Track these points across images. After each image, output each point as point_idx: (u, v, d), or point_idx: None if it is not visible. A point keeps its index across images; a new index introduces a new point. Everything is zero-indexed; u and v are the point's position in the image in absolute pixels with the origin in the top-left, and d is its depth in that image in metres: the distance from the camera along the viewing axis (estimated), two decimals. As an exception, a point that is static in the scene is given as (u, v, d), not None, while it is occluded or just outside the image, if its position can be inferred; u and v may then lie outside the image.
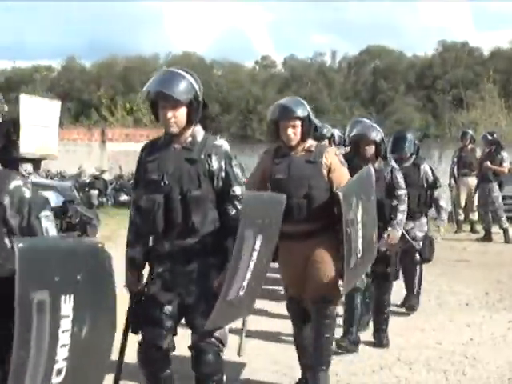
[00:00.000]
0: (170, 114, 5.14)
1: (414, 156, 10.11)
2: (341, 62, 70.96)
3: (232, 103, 59.57)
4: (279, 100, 7.04)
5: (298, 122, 6.52)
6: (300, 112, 6.55)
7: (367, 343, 8.37)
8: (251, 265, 5.06)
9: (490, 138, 18.20)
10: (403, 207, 8.37)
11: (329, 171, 6.48)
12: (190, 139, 5.27)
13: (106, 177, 25.30)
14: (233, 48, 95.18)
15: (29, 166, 22.12)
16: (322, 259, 6.38)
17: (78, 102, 59.80)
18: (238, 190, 5.23)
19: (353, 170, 6.76)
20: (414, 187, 9.52)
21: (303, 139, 6.58)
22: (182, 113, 5.16)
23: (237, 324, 6.26)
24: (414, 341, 8.59)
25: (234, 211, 5.21)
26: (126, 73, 66.62)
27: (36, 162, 22.95)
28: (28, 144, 21.47)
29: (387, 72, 65.19)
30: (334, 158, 6.54)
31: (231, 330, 5.75)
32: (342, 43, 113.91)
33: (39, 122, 22.07)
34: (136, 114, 47.36)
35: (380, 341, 8.44)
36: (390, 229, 8.20)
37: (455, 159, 18.99)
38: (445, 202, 10.58)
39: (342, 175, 6.52)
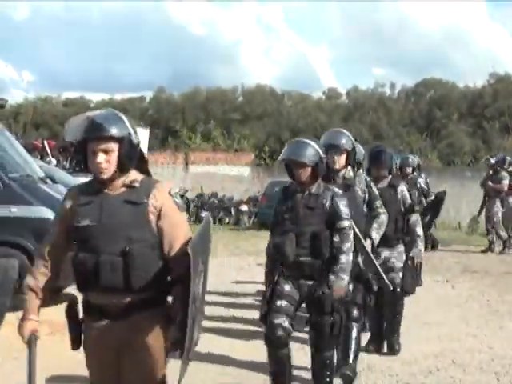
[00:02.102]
0: None
1: (390, 176, 8.21)
2: (399, 93, 70.65)
3: (301, 130, 59.50)
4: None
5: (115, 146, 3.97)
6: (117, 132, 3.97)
7: (422, 345, 8.29)
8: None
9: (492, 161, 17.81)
10: (347, 245, 5.99)
11: (158, 217, 3.98)
12: None
13: (189, 196, 25.48)
14: (300, 80, 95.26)
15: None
16: (146, 347, 3.98)
17: (165, 129, 60.36)
18: None
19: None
20: (390, 211, 7.58)
21: (122, 169, 4.04)
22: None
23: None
24: (467, 345, 8.47)
25: None
26: (207, 103, 67.18)
27: (128, 183, 23.29)
28: (121, 166, 21.77)
29: (441, 101, 64.73)
30: (166, 199, 4.04)
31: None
32: (399, 75, 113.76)
33: (131, 147, 22.36)
34: (214, 140, 47.72)
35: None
36: (332, 278, 5.93)
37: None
38: (421, 229, 8.28)
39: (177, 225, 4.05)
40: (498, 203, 17.30)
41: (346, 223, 6.01)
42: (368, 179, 7.20)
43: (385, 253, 7.91)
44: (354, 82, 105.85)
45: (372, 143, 35.31)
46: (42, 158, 18.59)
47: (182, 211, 4.14)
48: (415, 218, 8.20)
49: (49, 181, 10.80)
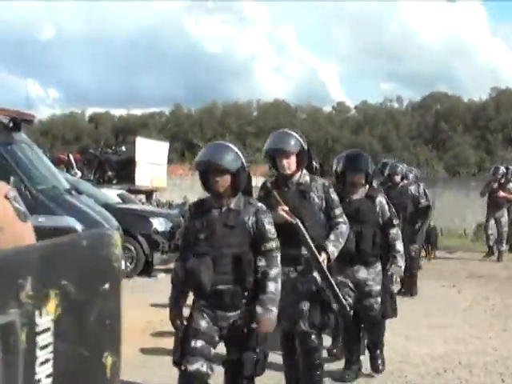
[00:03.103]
0: None
1: (368, 186, 7.03)
2: (407, 107, 70.62)
3: (313, 142, 59.53)
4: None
5: None
6: None
7: (430, 347, 8.27)
8: None
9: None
10: (275, 271, 4.79)
11: None
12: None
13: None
14: (311, 94, 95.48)
15: (143, 197, 22.51)
16: None
17: (184, 142, 60.50)
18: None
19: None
20: (367, 225, 6.78)
21: None
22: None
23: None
24: (472, 347, 8.42)
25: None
26: (224, 117, 67.33)
27: (149, 193, 23.34)
28: (143, 178, 21.87)
29: (447, 114, 64.71)
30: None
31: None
32: (406, 89, 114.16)
33: (152, 160, 22.50)
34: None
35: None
36: (258, 310, 4.70)
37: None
38: (401, 245, 7.02)
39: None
40: (505, 212, 17.08)
41: (273, 244, 4.82)
42: (326, 184, 5.91)
43: (361, 273, 6.82)
44: (363, 96, 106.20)
45: (382, 155, 35.27)
46: (67, 171, 18.65)
47: (23, 220, 3.15)
48: (395, 231, 6.95)
49: (74, 192, 10.87)
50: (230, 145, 4.98)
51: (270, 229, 4.86)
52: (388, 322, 9.38)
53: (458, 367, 7.55)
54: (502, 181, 16.82)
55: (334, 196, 5.88)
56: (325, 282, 5.66)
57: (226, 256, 4.74)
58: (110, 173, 21.64)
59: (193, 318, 4.81)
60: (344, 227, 5.86)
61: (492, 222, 16.93)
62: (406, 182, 11.79)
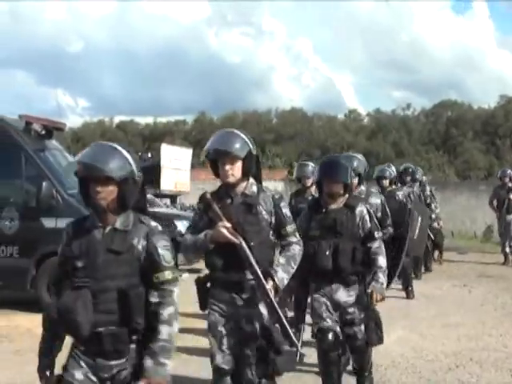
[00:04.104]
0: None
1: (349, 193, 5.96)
2: (419, 114, 70.41)
3: (329, 148, 59.44)
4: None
5: None
6: None
7: (442, 344, 8.22)
8: None
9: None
10: (170, 310, 3.63)
11: None
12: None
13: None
14: (326, 102, 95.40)
15: (168, 201, 22.54)
16: None
17: (206, 149, 60.51)
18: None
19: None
20: (345, 238, 5.71)
21: None
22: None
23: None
24: (483, 344, 8.38)
25: None
26: (244, 125, 67.40)
27: (173, 197, 23.37)
28: (167, 183, 21.93)
29: (457, 121, 64.48)
30: None
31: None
32: (417, 97, 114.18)
33: (176, 166, 22.54)
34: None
35: None
36: (147, 363, 3.57)
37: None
38: (384, 259, 5.87)
39: None
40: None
41: (168, 275, 3.65)
42: (277, 196, 4.75)
43: (341, 294, 5.77)
44: (376, 104, 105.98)
45: (395, 160, 35.16)
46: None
47: None
48: (377, 245, 5.83)
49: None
50: (237, 131, 4.65)
51: (165, 255, 3.64)
52: (402, 320, 9.39)
53: (470, 363, 7.52)
54: (510, 184, 16.33)
55: (286, 210, 4.74)
56: (273, 317, 4.47)
57: (110, 290, 3.57)
58: (136, 178, 21.72)
59: (67, 368, 3.66)
60: (297, 249, 4.74)
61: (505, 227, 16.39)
62: (394, 186, 10.94)
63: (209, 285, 4.65)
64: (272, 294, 4.43)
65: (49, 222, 9.92)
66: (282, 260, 4.68)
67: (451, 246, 18.67)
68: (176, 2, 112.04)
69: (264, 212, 4.64)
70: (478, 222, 22.23)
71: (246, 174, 4.63)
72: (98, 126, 72.72)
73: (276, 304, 4.43)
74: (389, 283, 6.77)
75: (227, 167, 4.52)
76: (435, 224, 14.53)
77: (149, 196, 18.20)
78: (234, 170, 4.55)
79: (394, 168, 11.18)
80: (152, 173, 21.64)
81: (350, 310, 5.78)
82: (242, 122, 68.17)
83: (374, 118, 71.26)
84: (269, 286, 4.44)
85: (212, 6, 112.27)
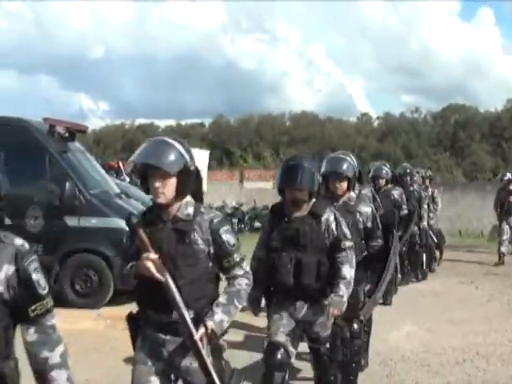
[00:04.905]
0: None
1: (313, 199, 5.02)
2: (427, 117, 70.20)
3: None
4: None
5: None
6: None
7: (450, 339, 8.19)
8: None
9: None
10: (57, 355, 2.82)
11: None
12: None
13: (244, 208, 25.48)
14: (338, 106, 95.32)
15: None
16: None
17: (223, 150, 60.62)
18: None
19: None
20: (309, 250, 4.88)
21: None
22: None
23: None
24: (489, 339, 8.35)
25: None
26: (259, 127, 67.41)
27: (191, 197, 23.48)
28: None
29: (465, 124, 64.21)
30: None
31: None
32: (426, 101, 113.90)
33: (193, 167, 22.60)
34: (264, 159, 47.75)
35: None
36: None
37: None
38: (350, 271, 4.94)
39: None
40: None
41: (46, 304, 2.83)
42: (217, 219, 3.73)
43: (305, 313, 4.97)
44: (386, 108, 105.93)
45: (403, 162, 35.06)
46: (117, 176, 18.76)
47: None
48: (344, 254, 4.92)
49: (123, 196, 10.93)
50: (170, 140, 3.69)
51: (39, 280, 2.79)
52: (411, 316, 9.38)
53: (476, 357, 7.51)
54: (510, 187, 15.87)
55: (229, 237, 3.72)
56: (203, 371, 3.54)
57: None
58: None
59: None
60: (244, 283, 3.75)
61: (505, 226, 15.94)
62: (389, 186, 10.62)
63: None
64: (201, 344, 3.51)
65: (72, 221, 9.99)
66: (222, 298, 3.68)
67: (459, 244, 18.62)
68: (193, 9, 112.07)
69: (200, 241, 3.65)
70: (484, 222, 22.10)
71: (180, 193, 3.63)
72: (118, 129, 72.93)
73: (205, 357, 3.51)
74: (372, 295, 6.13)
75: (157, 185, 3.56)
76: (433, 224, 14.10)
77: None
78: (166, 189, 3.59)
79: (388, 167, 10.89)
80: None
81: (315, 329, 4.99)
82: (257, 125, 68.28)
83: (384, 121, 71.12)
84: (198, 335, 3.50)
85: (227, 13, 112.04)
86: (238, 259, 3.75)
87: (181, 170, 3.60)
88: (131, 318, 3.83)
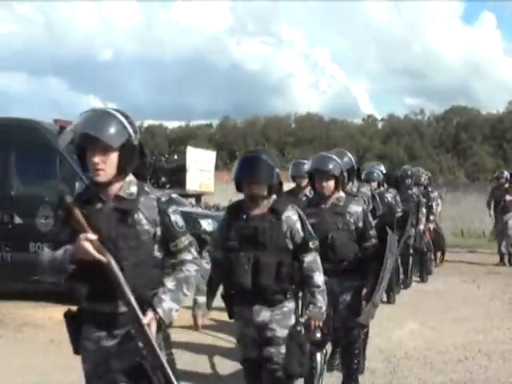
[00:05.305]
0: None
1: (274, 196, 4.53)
2: (430, 119, 70.14)
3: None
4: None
5: None
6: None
7: (453, 337, 8.19)
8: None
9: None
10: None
11: None
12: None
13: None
14: (343, 108, 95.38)
15: (193, 200, 22.60)
16: None
17: (229, 151, 60.62)
18: None
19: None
20: (268, 250, 4.37)
21: None
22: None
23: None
24: (491, 337, 8.33)
25: None
26: (265, 128, 67.42)
27: (198, 197, 23.42)
28: (192, 183, 21.98)
29: (467, 126, 64.17)
30: None
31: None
32: (428, 103, 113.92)
33: (201, 167, 22.60)
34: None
35: None
36: None
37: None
38: (321, 276, 4.52)
39: None
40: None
41: None
42: (164, 198, 3.43)
43: (263, 315, 4.41)
44: (389, 110, 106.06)
45: (406, 163, 34.96)
46: (126, 177, 18.83)
47: None
48: (311, 258, 4.46)
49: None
50: (113, 112, 3.32)
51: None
52: (414, 314, 9.37)
53: (478, 355, 7.49)
54: (507, 185, 15.69)
55: (177, 218, 3.40)
56: (152, 360, 3.12)
57: None
58: (163, 179, 21.78)
59: None
60: (193, 269, 3.38)
61: (501, 227, 15.69)
62: (382, 188, 10.08)
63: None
64: (151, 331, 3.12)
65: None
66: (170, 284, 3.29)
67: (461, 244, 18.60)
68: (200, 12, 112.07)
69: (145, 221, 3.29)
70: (486, 222, 22.09)
71: (122, 171, 3.26)
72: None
73: (155, 345, 3.11)
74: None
75: (96, 160, 3.17)
76: (430, 225, 13.21)
77: (175, 195, 18.30)
78: (106, 165, 3.20)
79: (382, 167, 10.49)
80: (178, 174, 21.78)
81: (271, 326, 4.42)
82: (263, 126, 68.30)
83: (388, 123, 71.08)
84: (146, 319, 3.13)
85: (234, 16, 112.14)
86: (186, 242, 3.39)
87: (123, 145, 3.22)
88: (69, 316, 3.38)
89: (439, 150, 61.84)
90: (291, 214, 4.46)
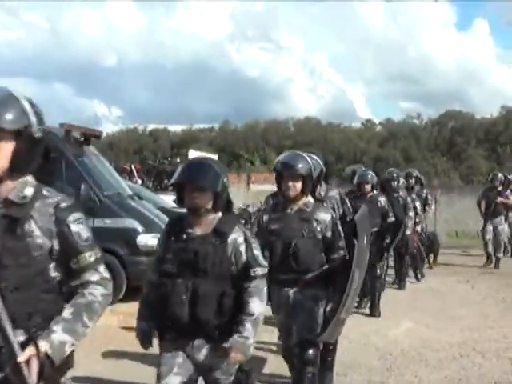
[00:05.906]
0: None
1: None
2: (426, 123, 70.14)
3: (343, 155, 59.33)
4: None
5: None
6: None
7: (448, 335, 8.18)
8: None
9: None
10: None
11: None
12: None
13: (250, 210, 25.55)
14: (340, 112, 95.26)
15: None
16: None
17: (230, 154, 60.60)
18: None
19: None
20: (210, 278, 3.72)
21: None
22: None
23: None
24: (485, 335, 8.33)
25: None
26: (265, 132, 67.42)
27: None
28: (194, 186, 22.03)
29: (461, 130, 64.16)
30: None
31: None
32: (424, 108, 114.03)
33: (202, 170, 22.62)
34: (270, 163, 47.82)
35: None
36: None
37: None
38: (259, 303, 3.73)
39: None
40: (503, 220, 15.51)
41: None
42: (64, 205, 2.63)
43: (203, 353, 3.76)
44: (385, 114, 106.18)
45: (402, 165, 34.95)
46: (129, 179, 18.81)
47: None
48: (254, 284, 3.76)
49: (135, 197, 10.95)
50: (15, 94, 2.50)
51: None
52: (410, 313, 9.37)
53: (473, 353, 7.49)
54: (500, 188, 15.45)
55: (80, 229, 2.63)
56: None
57: None
58: (166, 181, 21.78)
59: None
60: (98, 293, 2.65)
61: (490, 227, 15.40)
62: (375, 192, 9.65)
63: None
64: (28, 371, 2.34)
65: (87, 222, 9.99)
66: (66, 312, 2.54)
67: (456, 245, 18.59)
68: (201, 19, 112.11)
69: (38, 233, 2.52)
70: (480, 223, 22.07)
71: (17, 166, 2.50)
72: (131, 133, 72.92)
73: None
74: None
75: None
76: (418, 228, 12.57)
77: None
78: None
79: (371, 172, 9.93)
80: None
81: (216, 375, 3.80)
82: (263, 130, 68.31)
83: (385, 127, 71.11)
84: (24, 356, 2.35)
85: (234, 23, 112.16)
86: (91, 259, 2.62)
87: (20, 132, 2.46)
88: None
89: (434, 153, 61.83)
90: (237, 236, 3.78)
